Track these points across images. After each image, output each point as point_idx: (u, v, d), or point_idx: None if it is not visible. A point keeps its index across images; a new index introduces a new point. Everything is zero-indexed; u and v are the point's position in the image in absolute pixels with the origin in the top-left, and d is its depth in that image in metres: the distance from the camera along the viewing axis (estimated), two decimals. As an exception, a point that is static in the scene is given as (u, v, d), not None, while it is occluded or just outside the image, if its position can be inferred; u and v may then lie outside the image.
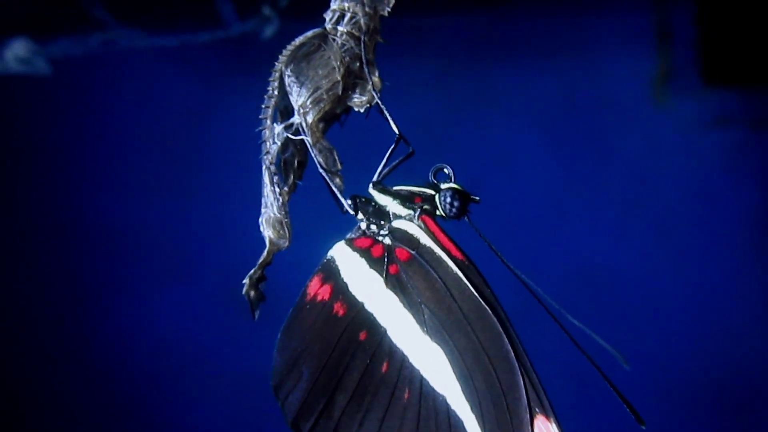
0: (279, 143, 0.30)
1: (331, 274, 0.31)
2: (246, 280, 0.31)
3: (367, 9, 0.30)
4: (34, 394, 0.87)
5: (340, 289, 0.31)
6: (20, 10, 0.52)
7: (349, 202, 0.32)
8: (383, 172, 0.32)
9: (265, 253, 0.30)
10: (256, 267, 0.31)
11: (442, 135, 0.91)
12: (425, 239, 0.31)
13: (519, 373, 0.30)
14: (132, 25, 0.56)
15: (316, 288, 0.31)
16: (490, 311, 0.30)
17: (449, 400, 0.31)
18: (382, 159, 0.31)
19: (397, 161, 0.32)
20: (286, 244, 0.30)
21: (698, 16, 0.91)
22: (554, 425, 0.30)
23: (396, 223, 0.31)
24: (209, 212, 0.89)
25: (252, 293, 0.31)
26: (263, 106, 0.31)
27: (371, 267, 0.31)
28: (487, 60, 0.93)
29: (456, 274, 0.30)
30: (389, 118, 0.31)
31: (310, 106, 0.30)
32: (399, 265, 0.31)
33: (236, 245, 0.87)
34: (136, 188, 0.89)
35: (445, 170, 0.32)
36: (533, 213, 0.94)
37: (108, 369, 0.88)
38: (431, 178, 0.32)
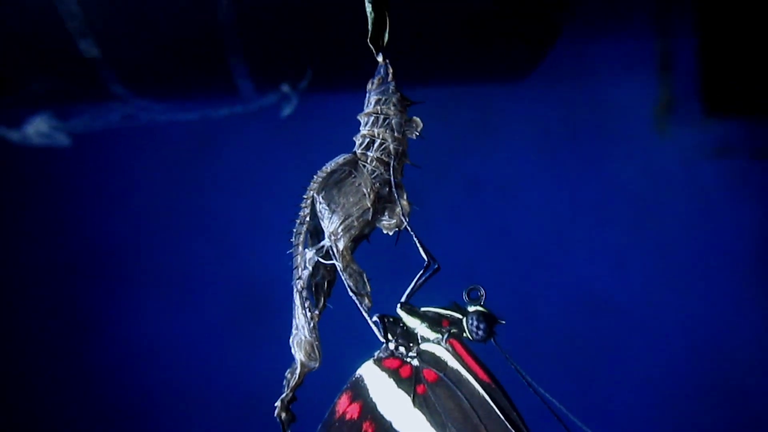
0: (310, 268, 0.31)
1: (359, 392, 0.32)
2: (278, 403, 0.31)
3: (396, 134, 0.31)
4: (38, 405, 0.87)
5: (369, 408, 0.32)
6: (43, 85, 0.52)
7: (376, 319, 0.32)
8: (410, 293, 0.32)
9: (296, 375, 0.31)
10: (288, 390, 0.31)
11: (446, 163, 0.92)
12: (453, 362, 0.32)
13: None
14: (151, 100, 0.57)
15: (345, 406, 0.32)
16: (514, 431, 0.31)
17: None
18: (409, 277, 0.32)
19: (423, 279, 0.32)
20: (317, 365, 0.31)
21: (700, 46, 0.92)
22: None
23: (424, 346, 0.32)
24: (216, 233, 0.90)
25: (284, 415, 0.31)
26: (294, 231, 0.31)
27: (399, 386, 0.32)
28: (490, 89, 0.94)
29: (482, 396, 0.31)
30: (418, 242, 0.31)
31: (342, 233, 0.30)
32: (426, 386, 0.32)
33: (242, 264, 0.88)
34: (147, 210, 0.89)
35: (479, 291, 0.32)
36: (536, 240, 0.95)
37: (111, 386, 0.89)
38: (464, 297, 0.33)
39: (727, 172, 0.95)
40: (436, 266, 0.33)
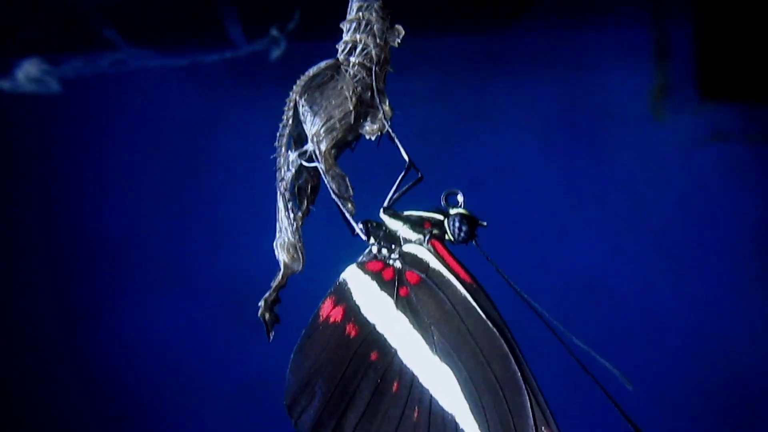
0: (293, 170, 0.31)
1: (343, 296, 0.32)
2: (261, 303, 0.32)
3: (378, 41, 0.31)
4: (35, 402, 0.87)
5: (352, 311, 0.32)
6: (32, 31, 0.53)
7: (361, 226, 0.33)
8: (393, 198, 0.33)
9: (279, 276, 0.31)
10: (271, 290, 0.32)
11: (444, 148, 0.92)
12: (434, 263, 0.32)
13: (526, 393, 0.31)
14: (142, 46, 0.57)
15: (329, 310, 0.32)
16: (497, 333, 0.31)
17: (458, 419, 0.32)
18: (393, 184, 0.32)
19: (406, 186, 0.33)
20: (300, 267, 0.31)
21: (696, 32, 0.92)
22: (557, 438, 0.31)
23: (406, 248, 0.32)
24: (213, 223, 0.90)
25: (267, 315, 0.32)
26: (278, 134, 0.32)
27: (382, 289, 0.32)
28: (487, 74, 0.94)
29: (464, 296, 0.31)
30: (400, 145, 0.32)
31: (324, 134, 0.31)
32: (409, 288, 0.32)
33: (239, 256, 0.88)
34: (143, 200, 0.90)
35: (458, 197, 0.33)
36: (532, 225, 0.95)
37: (110, 379, 0.88)
38: (442, 202, 0.33)
39: (723, 157, 0.95)
40: (420, 175, 0.33)
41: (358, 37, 0.31)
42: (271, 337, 0.32)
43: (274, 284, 0.32)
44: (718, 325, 0.94)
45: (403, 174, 0.32)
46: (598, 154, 0.97)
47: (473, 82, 0.96)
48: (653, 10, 0.95)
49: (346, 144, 0.32)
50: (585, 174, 0.96)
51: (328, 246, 0.33)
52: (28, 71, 0.55)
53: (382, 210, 0.33)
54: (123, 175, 0.89)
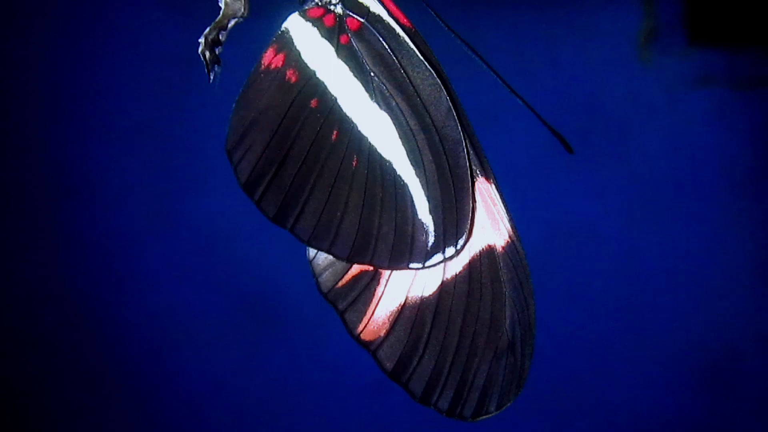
0: None
1: (284, 44, 0.32)
2: (201, 39, 0.32)
3: None
4: (32, 387, 0.87)
5: (293, 57, 0.32)
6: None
7: None
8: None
9: (220, 15, 0.32)
10: (211, 27, 0.32)
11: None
12: (375, 6, 0.32)
13: (461, 133, 0.31)
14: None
15: (270, 57, 0.32)
16: (435, 75, 0.32)
17: (395, 165, 0.32)
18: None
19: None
20: (243, 11, 0.32)
21: (684, -25, 0.93)
22: (493, 186, 0.32)
23: None
24: (199, 159, 0.90)
25: (207, 54, 0.32)
26: None
27: (323, 36, 0.32)
28: (472, 14, 0.94)
29: (404, 39, 0.32)
30: None
31: None
32: (350, 35, 0.32)
33: (225, 196, 0.88)
34: (125, 138, 0.89)
35: None
36: (516, 167, 0.95)
37: (105, 366, 0.88)
38: None
39: (709, 102, 0.95)
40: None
41: None
42: (212, 78, 0.32)
43: (214, 21, 0.32)
44: (700, 267, 0.94)
45: None
46: (584, 96, 0.97)
47: (457, 21, 0.96)
48: (642, -49, 0.96)
49: None
50: (570, 117, 0.96)
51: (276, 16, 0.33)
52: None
53: (324, -44, 0.33)
54: (107, 113, 0.89)
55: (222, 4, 0.31)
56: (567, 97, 0.97)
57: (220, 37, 0.31)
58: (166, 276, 0.89)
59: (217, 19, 0.31)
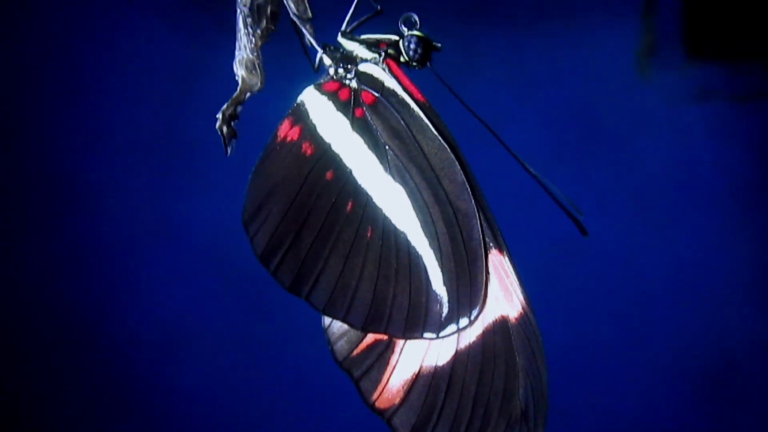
0: (252, -12, 0.32)
1: (300, 116, 0.33)
2: (218, 115, 0.32)
3: None
4: (30, 384, 0.87)
5: (309, 130, 0.33)
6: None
7: (320, 50, 0.33)
8: (352, 25, 0.33)
9: (237, 90, 0.32)
10: (228, 103, 0.32)
11: (431, 99, 0.92)
12: (389, 82, 0.33)
13: (474, 207, 0.32)
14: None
15: (286, 130, 0.33)
16: (448, 150, 0.32)
17: (409, 237, 0.33)
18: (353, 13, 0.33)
19: (365, 17, 0.34)
20: (258, 84, 0.32)
21: (682, -10, 0.93)
22: (507, 259, 0.32)
23: (362, 67, 0.33)
24: (197, 170, 0.90)
25: (224, 129, 0.32)
26: (238, -46, 0.33)
27: (338, 110, 0.33)
28: (474, 29, 0.95)
29: (418, 114, 0.32)
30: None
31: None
32: (364, 108, 0.33)
33: (223, 206, 0.88)
34: (125, 147, 0.90)
35: (413, 18, 0.33)
36: (518, 180, 0.95)
37: (102, 359, 0.88)
38: (400, 26, 0.34)
39: (708, 116, 0.95)
40: (378, 8, 0.34)
41: None
42: (229, 152, 0.33)
43: (231, 97, 0.32)
44: (700, 281, 0.94)
45: None
46: (584, 110, 0.97)
47: (460, 35, 0.96)
48: (641, -33, 0.96)
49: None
50: (570, 130, 0.96)
51: (287, 73, 0.34)
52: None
53: (339, 34, 0.34)
54: (106, 122, 0.89)
55: (239, 80, 0.32)
56: (567, 111, 0.97)
57: (237, 112, 0.32)
58: (166, 277, 0.89)
59: (235, 95, 0.32)
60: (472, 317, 0.32)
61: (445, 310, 0.32)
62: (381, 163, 0.33)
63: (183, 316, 0.90)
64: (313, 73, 0.34)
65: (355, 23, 0.33)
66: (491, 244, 0.33)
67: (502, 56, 0.96)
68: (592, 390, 0.93)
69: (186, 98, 0.89)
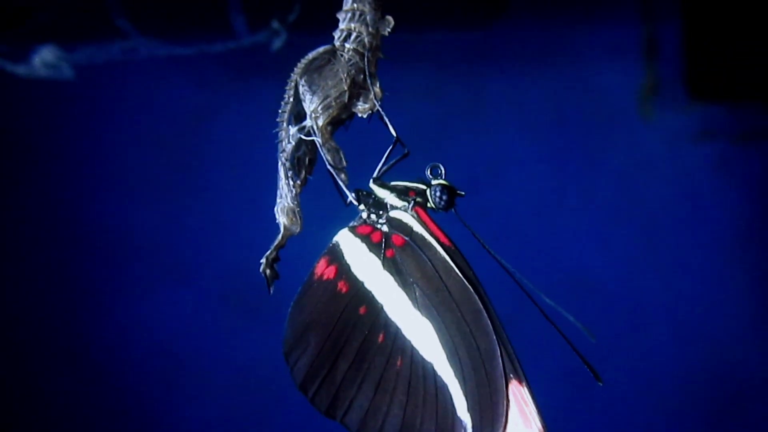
0: (293, 143, 0.35)
1: (335, 256, 0.36)
2: (263, 260, 0.36)
3: (370, 29, 0.35)
4: (30, 390, 0.89)
5: (344, 270, 0.36)
6: (49, 18, 0.56)
7: (353, 194, 0.37)
8: (382, 170, 0.37)
9: (279, 237, 0.36)
10: (272, 249, 0.36)
11: (436, 141, 0.94)
12: (417, 227, 0.36)
13: (496, 343, 0.35)
14: (152, 35, 0.61)
15: (323, 268, 0.36)
16: (471, 289, 0.35)
17: (436, 367, 0.36)
18: (382, 158, 0.36)
19: (394, 160, 0.37)
20: (298, 230, 0.35)
21: (684, 31, 0.94)
22: (526, 389, 0.35)
23: (392, 213, 0.37)
24: (212, 214, 0.92)
25: (268, 272, 0.36)
26: (280, 111, 0.36)
27: (370, 251, 0.36)
28: (479, 71, 0.96)
29: (443, 257, 0.36)
30: (388, 123, 0.36)
31: (321, 111, 0.35)
32: (394, 250, 0.36)
33: (234, 247, 0.90)
34: (142, 189, 0.92)
35: (439, 168, 0.37)
36: (522, 220, 0.97)
37: (104, 369, 0.90)
38: (427, 174, 0.37)
39: (710, 156, 0.97)
40: (406, 151, 0.37)
41: (352, 25, 0.35)
42: (272, 291, 0.36)
43: (274, 244, 0.36)
44: (705, 321, 0.95)
45: (390, 148, 0.36)
46: (588, 152, 0.99)
47: (465, 77, 0.98)
48: (642, 9, 0.97)
49: (341, 121, 0.37)
50: (574, 171, 0.98)
51: (323, 214, 0.37)
52: (45, 57, 0.59)
53: (371, 180, 0.37)
54: (124, 163, 0.91)
55: (281, 227, 0.35)
56: (571, 151, 0.99)
57: (278, 255, 0.35)
58: (168, 279, 0.91)
59: (277, 241, 0.35)
60: (494, 440, 0.35)
61: None
62: (409, 299, 0.36)
63: (184, 313, 0.91)
64: (342, 208, 0.37)
65: (385, 167, 0.36)
66: (511, 375, 0.36)
67: (506, 96, 0.98)
68: (601, 428, 0.95)
69: (203, 140, 0.90)
